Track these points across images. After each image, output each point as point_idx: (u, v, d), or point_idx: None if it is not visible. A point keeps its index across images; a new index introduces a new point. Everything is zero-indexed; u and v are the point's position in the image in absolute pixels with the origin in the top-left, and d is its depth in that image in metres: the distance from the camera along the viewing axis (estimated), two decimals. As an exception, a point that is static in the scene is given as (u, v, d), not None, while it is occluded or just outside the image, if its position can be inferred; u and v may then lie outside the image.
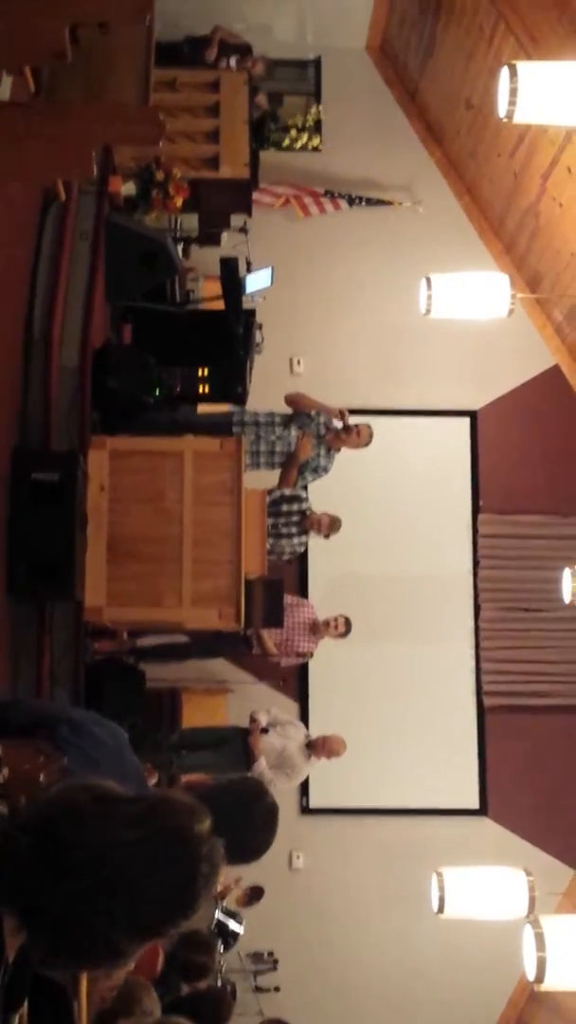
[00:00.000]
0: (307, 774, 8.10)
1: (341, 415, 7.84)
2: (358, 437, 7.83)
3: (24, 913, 1.85)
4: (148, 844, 1.85)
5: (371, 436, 7.86)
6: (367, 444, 7.87)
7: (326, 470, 7.92)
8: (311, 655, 8.38)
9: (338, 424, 7.81)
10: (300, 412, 7.87)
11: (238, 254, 8.10)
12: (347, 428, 7.81)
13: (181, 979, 4.69)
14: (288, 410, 7.94)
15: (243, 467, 6.56)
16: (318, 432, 7.80)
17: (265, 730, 7.65)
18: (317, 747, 7.79)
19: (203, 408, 8.17)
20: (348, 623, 8.09)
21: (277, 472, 7.82)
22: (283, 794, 7.50)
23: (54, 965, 1.94)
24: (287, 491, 7.74)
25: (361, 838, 9.00)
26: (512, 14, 7.36)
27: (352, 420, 7.91)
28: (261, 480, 7.81)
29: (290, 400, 7.94)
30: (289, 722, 7.99)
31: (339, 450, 7.88)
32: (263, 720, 7.72)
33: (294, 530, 7.85)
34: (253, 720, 7.73)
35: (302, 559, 9.05)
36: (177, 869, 1.88)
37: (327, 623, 8.08)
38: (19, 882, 1.83)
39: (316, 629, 8.09)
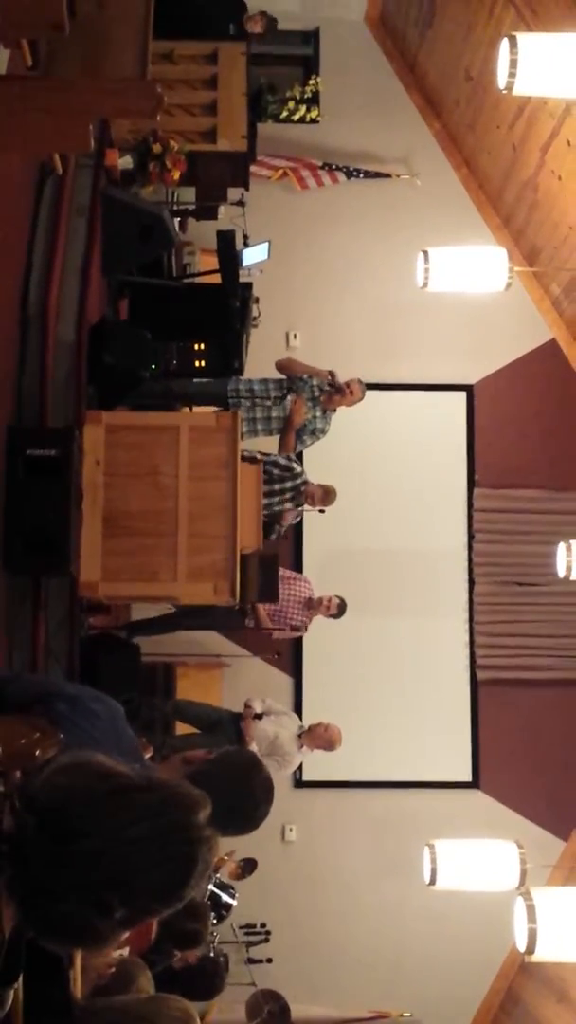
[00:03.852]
0: (298, 764, 8.13)
1: (331, 376, 7.87)
2: (351, 395, 7.87)
3: (21, 897, 1.87)
4: (155, 842, 1.86)
5: (364, 391, 7.92)
6: (361, 399, 7.93)
7: (324, 432, 7.96)
8: (305, 630, 8.41)
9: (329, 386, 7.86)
10: (292, 377, 7.90)
11: (235, 227, 8.09)
12: (339, 388, 7.84)
13: (175, 946, 4.73)
14: (281, 377, 7.97)
15: (240, 439, 6.55)
16: (312, 395, 7.83)
17: (259, 716, 7.67)
18: (315, 734, 7.80)
19: (199, 380, 8.17)
20: (342, 605, 8.08)
21: (276, 439, 7.85)
22: (277, 767, 7.55)
23: (43, 944, 1.96)
24: (281, 460, 7.74)
25: (354, 811, 9.06)
26: (512, -14, 7.32)
27: (342, 378, 7.94)
28: (262, 447, 7.85)
29: (281, 366, 7.99)
30: (283, 712, 8.02)
31: (335, 410, 7.92)
32: (257, 707, 7.75)
33: (288, 506, 7.87)
34: (247, 706, 7.76)
35: (297, 533, 9.08)
36: (176, 866, 1.90)
37: (320, 601, 8.11)
38: (20, 865, 1.84)
39: (310, 605, 8.14)
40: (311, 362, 8.34)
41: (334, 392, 7.84)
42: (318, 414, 7.87)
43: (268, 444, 7.92)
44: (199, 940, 4.80)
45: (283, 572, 7.85)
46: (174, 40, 7.64)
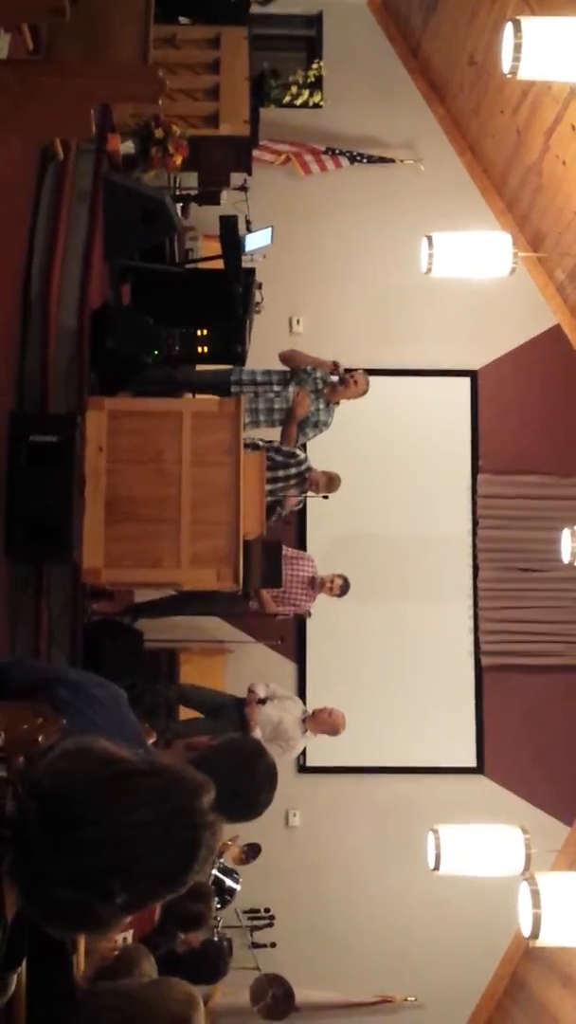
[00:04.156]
0: (302, 748, 8.13)
1: (335, 367, 7.84)
2: (355, 387, 7.83)
3: (22, 882, 1.87)
4: (157, 826, 1.86)
5: (368, 383, 7.86)
6: (365, 392, 7.87)
7: (327, 424, 7.92)
8: (308, 613, 8.40)
9: (334, 377, 7.82)
10: (296, 368, 7.88)
11: (238, 212, 8.07)
12: (342, 380, 7.81)
13: (178, 928, 4.75)
14: (284, 368, 7.95)
15: (243, 426, 6.55)
16: (315, 387, 7.79)
17: (263, 701, 7.67)
18: (319, 719, 7.80)
19: (202, 366, 8.16)
20: (345, 584, 8.11)
21: (278, 430, 7.83)
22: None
23: (45, 929, 1.97)
24: (284, 448, 7.74)
25: (358, 796, 9.07)
26: (516, -31, 7.29)
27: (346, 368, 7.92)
28: (263, 437, 7.83)
29: (284, 357, 7.96)
30: (287, 697, 8.02)
31: (338, 403, 7.88)
32: (261, 692, 7.74)
33: (292, 491, 7.86)
34: (251, 691, 7.77)
35: (300, 519, 9.08)
36: (179, 850, 1.90)
37: (323, 582, 8.12)
38: (22, 850, 1.85)
39: (314, 584, 8.13)
40: (315, 347, 8.33)
41: (338, 384, 7.81)
42: (321, 406, 7.84)
43: (270, 435, 7.91)
44: (203, 921, 4.82)
45: (286, 551, 7.83)
46: (176, 15, 7.61)
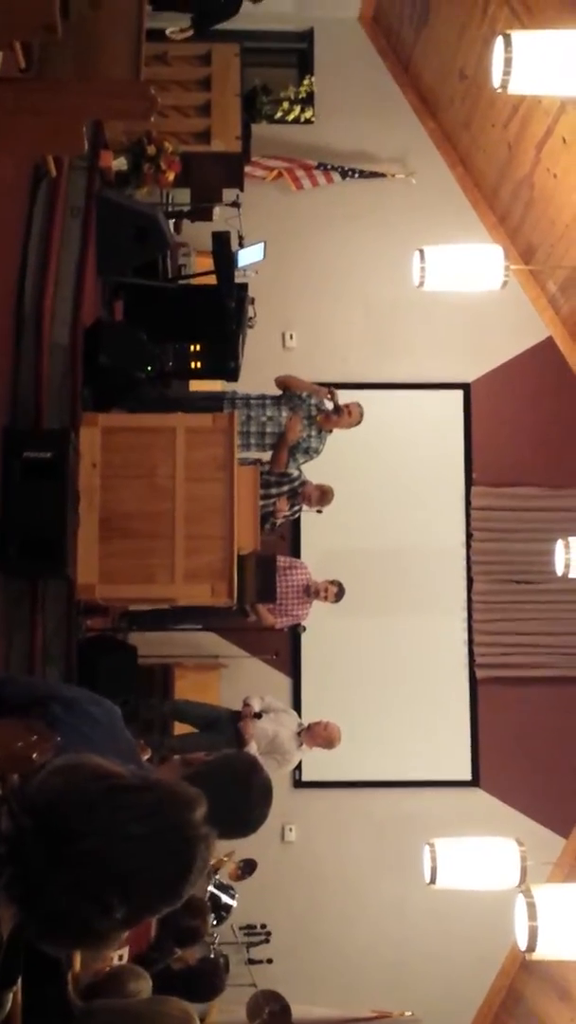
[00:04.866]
0: (298, 761, 8.11)
1: (330, 395, 7.84)
2: (349, 416, 7.85)
3: (21, 898, 1.87)
4: (152, 839, 1.88)
5: (362, 415, 7.89)
6: (358, 423, 7.90)
7: (317, 452, 7.94)
8: (302, 628, 8.36)
9: (328, 405, 7.82)
10: (291, 394, 7.88)
11: (230, 228, 8.08)
12: (337, 408, 7.82)
13: (175, 944, 4.74)
14: (278, 393, 7.96)
15: (235, 444, 6.56)
16: (309, 413, 7.81)
17: (258, 715, 7.65)
18: (314, 732, 7.78)
19: (195, 386, 8.18)
20: (340, 590, 8.08)
21: (269, 454, 7.83)
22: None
23: (43, 946, 1.97)
24: (276, 471, 7.75)
25: (354, 810, 9.06)
26: (505, -16, 7.32)
27: (342, 399, 7.92)
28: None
29: (280, 383, 7.96)
30: (283, 710, 8.01)
31: (331, 431, 7.90)
32: (256, 705, 7.72)
33: (284, 496, 7.87)
34: (246, 705, 7.75)
35: (295, 533, 9.08)
36: (175, 863, 1.91)
37: (317, 591, 8.11)
38: (19, 866, 1.85)
39: (309, 592, 8.12)
40: (308, 362, 8.35)
41: (332, 412, 7.82)
42: (313, 433, 7.86)
43: (261, 460, 7.92)
44: (199, 936, 4.82)
45: (280, 560, 7.84)
46: (165, 8, 7.64)
